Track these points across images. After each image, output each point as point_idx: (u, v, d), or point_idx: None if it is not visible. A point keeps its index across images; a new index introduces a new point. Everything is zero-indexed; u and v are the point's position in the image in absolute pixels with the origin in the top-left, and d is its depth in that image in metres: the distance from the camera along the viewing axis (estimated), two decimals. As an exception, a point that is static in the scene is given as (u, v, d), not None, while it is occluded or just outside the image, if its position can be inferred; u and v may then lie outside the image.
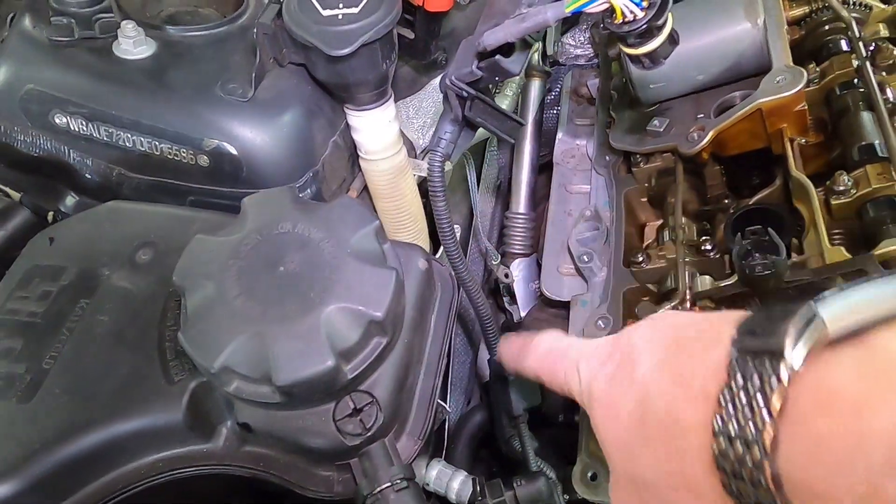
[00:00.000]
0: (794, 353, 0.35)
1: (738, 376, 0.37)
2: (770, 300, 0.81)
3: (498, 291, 1.39)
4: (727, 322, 0.43)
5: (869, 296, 0.36)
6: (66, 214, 0.88)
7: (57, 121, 0.82)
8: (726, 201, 1.03)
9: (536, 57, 1.40)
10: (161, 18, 0.93)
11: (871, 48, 0.93)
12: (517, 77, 1.39)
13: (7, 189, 0.87)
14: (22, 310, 0.66)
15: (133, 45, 0.81)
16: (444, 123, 0.87)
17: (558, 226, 1.32)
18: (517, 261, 1.42)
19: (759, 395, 0.35)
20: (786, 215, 0.91)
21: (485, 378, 1.16)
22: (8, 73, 0.82)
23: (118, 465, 0.63)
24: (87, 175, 0.86)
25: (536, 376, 0.62)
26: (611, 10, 0.66)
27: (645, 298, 0.97)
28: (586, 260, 1.15)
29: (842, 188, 0.82)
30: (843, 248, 0.78)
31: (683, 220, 1.02)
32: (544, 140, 1.59)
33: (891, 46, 0.94)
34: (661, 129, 1.09)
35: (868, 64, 0.89)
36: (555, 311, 1.24)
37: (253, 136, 0.82)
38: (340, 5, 0.78)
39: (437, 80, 1.05)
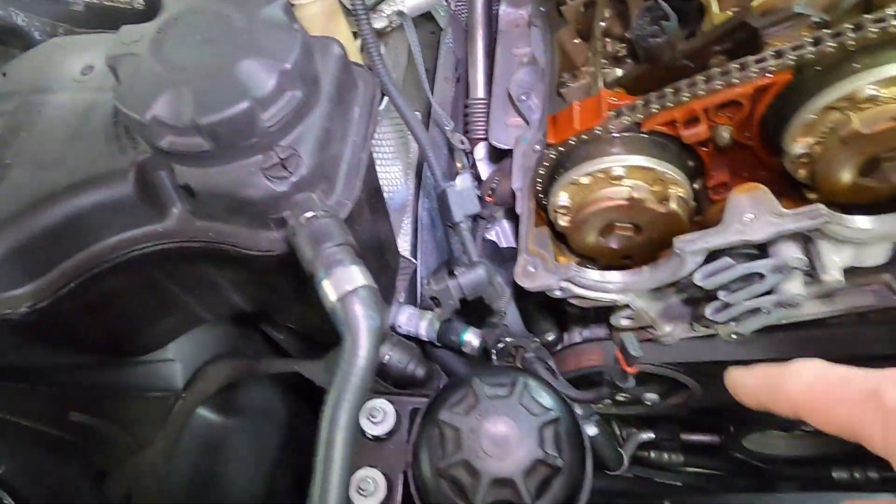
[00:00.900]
0: None
1: None
2: (668, 75, 0.87)
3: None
4: None
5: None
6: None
7: (0, -19, 0.89)
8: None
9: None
10: None
11: None
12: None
13: (-36, 54, 0.94)
14: (-18, 128, 0.74)
15: None
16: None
17: (503, 84, 1.38)
18: (480, 144, 1.49)
19: None
20: (685, 5, 0.96)
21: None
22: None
23: (85, 245, 0.72)
24: (37, 36, 0.93)
25: (798, 415, 0.51)
26: None
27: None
28: (524, 99, 1.22)
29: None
30: (728, 12, 0.84)
31: (605, 40, 1.08)
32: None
33: None
34: (579, -43, 1.13)
35: None
36: (503, 164, 1.31)
37: (181, -24, 0.88)
38: None
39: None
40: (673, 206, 0.87)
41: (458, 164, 1.09)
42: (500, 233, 1.34)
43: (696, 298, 1.05)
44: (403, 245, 1.51)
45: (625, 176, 0.86)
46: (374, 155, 1.33)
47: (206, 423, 1.04)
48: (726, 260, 0.89)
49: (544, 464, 0.73)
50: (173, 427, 0.99)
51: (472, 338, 1.16)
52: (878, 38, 0.69)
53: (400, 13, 1.26)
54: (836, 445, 1.54)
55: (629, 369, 0.75)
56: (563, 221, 0.93)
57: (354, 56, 1.09)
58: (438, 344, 1.21)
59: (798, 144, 0.78)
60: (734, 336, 1.14)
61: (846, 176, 0.77)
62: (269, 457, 1.12)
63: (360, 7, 0.92)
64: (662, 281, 0.93)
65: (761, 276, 0.90)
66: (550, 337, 1.35)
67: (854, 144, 0.72)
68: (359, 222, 0.92)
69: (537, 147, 1.11)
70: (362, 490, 0.90)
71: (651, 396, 1.43)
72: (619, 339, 0.76)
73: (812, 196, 0.82)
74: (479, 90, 1.67)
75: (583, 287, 0.96)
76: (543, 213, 1.04)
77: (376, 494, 0.89)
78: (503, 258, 1.30)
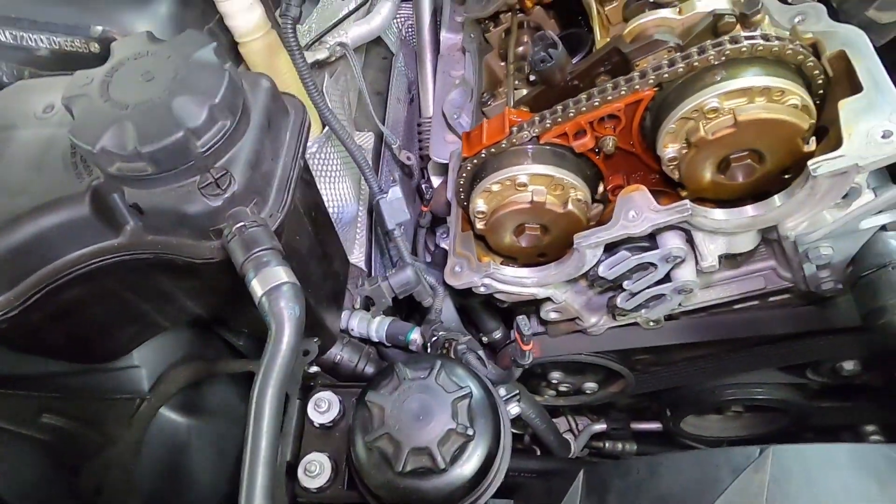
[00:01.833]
0: None
1: None
2: (565, 95, 1.00)
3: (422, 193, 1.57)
4: None
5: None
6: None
7: (-31, 31, 1.00)
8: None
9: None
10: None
11: None
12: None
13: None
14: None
15: (20, -42, 0.99)
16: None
17: (440, 103, 1.51)
18: (432, 161, 1.61)
19: None
20: (584, 35, 1.10)
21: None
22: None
23: (49, 260, 0.82)
24: (4, 79, 1.05)
25: None
26: None
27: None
28: (456, 117, 1.35)
29: (610, -3, 1.02)
30: (608, 39, 0.97)
31: (522, 62, 1.21)
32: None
33: None
34: (495, -7, 1.27)
35: None
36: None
37: (133, 21, 1.01)
38: None
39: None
40: (571, 207, 0.99)
41: (392, 178, 1.20)
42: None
43: (609, 290, 1.18)
44: (359, 255, 1.63)
45: (528, 183, 0.99)
46: (322, 175, 1.45)
47: (169, 422, 1.14)
48: (623, 253, 1.02)
49: (457, 433, 0.85)
50: (138, 427, 1.09)
51: (417, 336, 1.27)
52: (717, 60, 0.83)
53: (342, 44, 1.39)
54: (769, 425, 1.67)
55: (525, 347, 0.87)
56: (480, 225, 1.06)
57: (297, 86, 1.21)
58: (388, 344, 1.32)
59: (668, 150, 0.91)
60: (652, 323, 1.27)
61: (706, 175, 0.90)
62: (231, 453, 1.22)
63: (293, 41, 1.04)
64: (570, 274, 1.05)
65: (654, 265, 1.02)
66: (497, 335, 1.47)
67: (705, 148, 0.85)
68: (298, 233, 1.04)
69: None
70: (309, 472, 1.00)
71: (590, 385, 1.55)
72: (515, 320, 0.87)
73: (684, 194, 0.95)
74: (430, 110, 1.81)
75: (502, 283, 1.08)
76: (469, 218, 1.16)
77: (322, 476, 1.00)
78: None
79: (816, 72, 0.84)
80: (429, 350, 1.15)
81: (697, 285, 1.07)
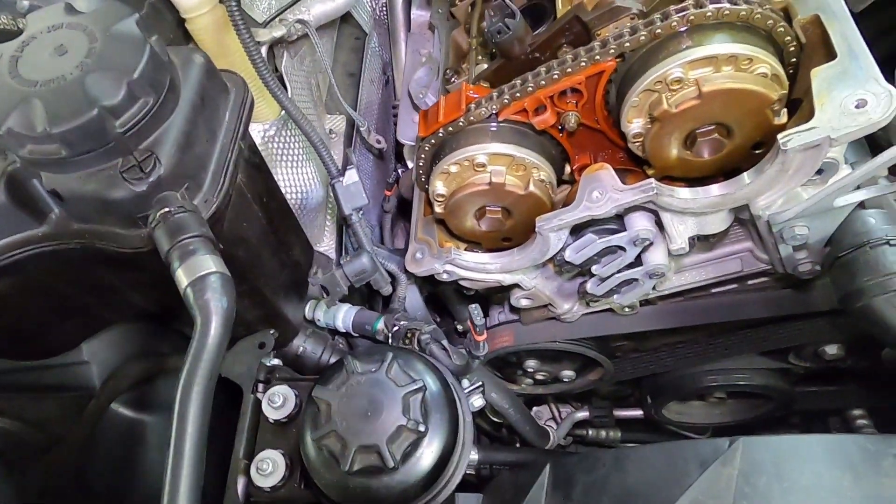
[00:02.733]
0: None
1: None
2: (522, 67, 0.94)
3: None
4: None
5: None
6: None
7: None
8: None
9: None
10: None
11: None
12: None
13: None
14: None
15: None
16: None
17: (408, 82, 1.45)
18: (408, 146, 1.55)
19: None
20: (547, 6, 1.04)
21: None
22: None
23: (-33, 251, 0.77)
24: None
25: None
26: None
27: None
28: (421, 96, 1.29)
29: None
30: (570, 8, 0.91)
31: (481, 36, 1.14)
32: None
33: None
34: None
35: None
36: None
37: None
38: None
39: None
40: (533, 188, 0.94)
41: (349, 162, 1.15)
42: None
43: (579, 276, 1.12)
44: (329, 243, 1.57)
45: (487, 163, 0.93)
46: (283, 159, 1.39)
47: (121, 418, 1.09)
48: (589, 236, 0.96)
49: (408, 429, 0.80)
50: (87, 424, 1.04)
51: (383, 326, 1.22)
52: (681, 26, 0.77)
53: (302, 21, 1.32)
54: (754, 410, 1.63)
55: (478, 337, 0.82)
56: (439, 208, 1.00)
57: (249, 65, 1.15)
58: (356, 334, 1.27)
59: (632, 125, 0.85)
60: (627, 309, 1.22)
61: (672, 151, 0.84)
62: (189, 450, 1.17)
63: (238, 16, 0.98)
64: (535, 260, 1.00)
65: (623, 248, 0.97)
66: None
67: (669, 122, 0.80)
68: (246, 220, 0.98)
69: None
70: (261, 470, 0.95)
71: (567, 374, 1.50)
72: (468, 309, 0.82)
73: (651, 172, 0.89)
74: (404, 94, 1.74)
75: (465, 269, 1.03)
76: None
77: (275, 474, 0.95)
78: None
79: (788, 38, 0.78)
80: (390, 341, 1.09)
81: (670, 269, 1.02)
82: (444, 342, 1.10)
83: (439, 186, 0.99)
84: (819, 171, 0.81)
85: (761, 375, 1.43)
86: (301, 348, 1.22)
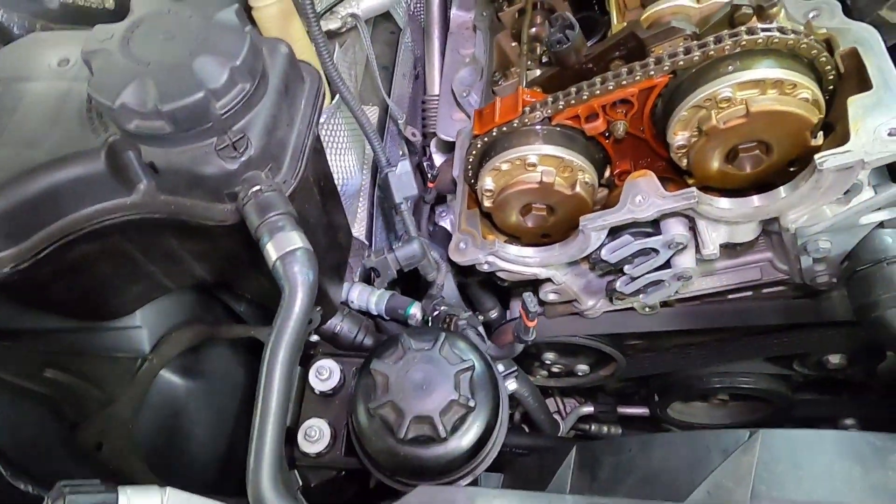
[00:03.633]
0: None
1: None
2: (579, 77, 1.01)
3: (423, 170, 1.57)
4: None
5: None
6: (3, 66, 1.05)
7: (-18, -19, 0.99)
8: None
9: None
10: None
11: None
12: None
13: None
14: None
15: None
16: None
17: (450, 82, 1.52)
18: (437, 138, 1.61)
19: None
20: (598, 19, 1.11)
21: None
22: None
23: (62, 214, 0.83)
24: (15, 30, 1.03)
25: None
26: None
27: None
28: (465, 95, 1.35)
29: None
30: (624, 23, 0.98)
31: (535, 44, 1.21)
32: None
33: None
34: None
35: None
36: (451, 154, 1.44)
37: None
38: None
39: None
40: (578, 189, 1.01)
41: (401, 152, 1.21)
42: (452, 221, 1.48)
43: (609, 274, 1.20)
44: (360, 229, 1.64)
45: (538, 163, 1.00)
46: (329, 145, 1.45)
47: (169, 383, 1.15)
48: (626, 237, 1.04)
49: (458, 404, 0.87)
50: (139, 386, 1.10)
51: (416, 311, 1.29)
52: (732, 50, 0.84)
53: (353, 15, 1.38)
54: (752, 415, 1.71)
55: (529, 323, 0.89)
56: (487, 203, 1.07)
57: (310, 54, 1.21)
58: (387, 318, 1.33)
59: (678, 137, 0.93)
60: (648, 309, 1.30)
61: (714, 164, 0.91)
62: (229, 416, 1.24)
63: (310, 9, 1.04)
64: (573, 256, 1.07)
65: (656, 251, 1.04)
66: (494, 314, 1.49)
67: (715, 137, 0.87)
68: (308, 201, 1.04)
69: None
70: (309, 437, 1.02)
71: (582, 368, 1.57)
72: (522, 297, 0.89)
73: (691, 182, 0.96)
74: (436, 87, 1.80)
75: (505, 261, 1.10)
76: (476, 196, 1.17)
77: (321, 441, 1.02)
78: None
79: (828, 67, 0.86)
80: (430, 324, 1.16)
81: (696, 273, 1.09)
82: (480, 329, 1.17)
83: (488, 182, 1.06)
84: (846, 192, 0.88)
85: (765, 380, 1.52)
86: (338, 327, 1.29)
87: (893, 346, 0.90)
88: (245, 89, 0.78)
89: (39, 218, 0.82)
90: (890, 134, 0.79)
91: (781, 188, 0.89)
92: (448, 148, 1.57)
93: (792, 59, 0.84)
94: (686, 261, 1.06)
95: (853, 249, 0.98)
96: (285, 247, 0.74)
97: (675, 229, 0.99)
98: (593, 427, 1.94)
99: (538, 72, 1.12)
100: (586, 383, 1.65)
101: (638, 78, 0.90)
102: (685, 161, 0.95)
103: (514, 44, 1.39)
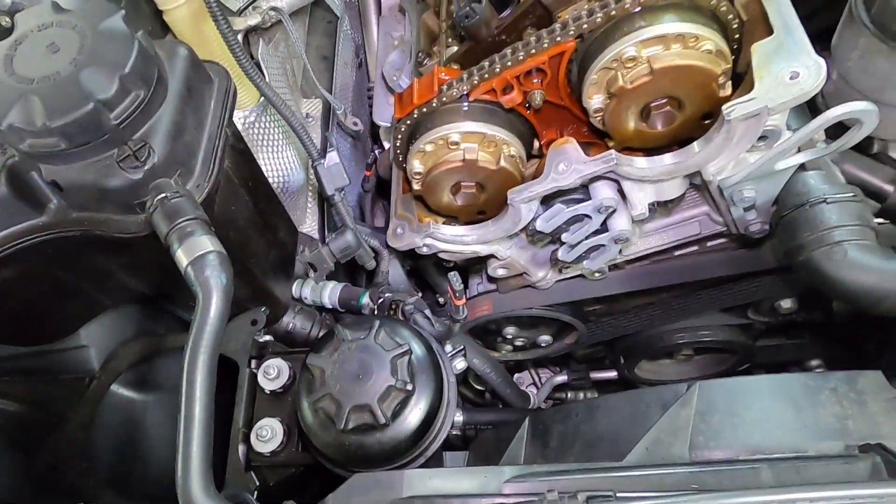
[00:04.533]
0: None
1: None
2: (489, 49, 1.00)
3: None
4: None
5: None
6: None
7: None
8: None
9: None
10: None
11: None
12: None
13: None
14: None
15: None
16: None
17: (381, 66, 1.50)
18: (384, 127, 1.60)
19: None
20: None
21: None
22: None
23: (-27, 242, 0.81)
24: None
25: None
26: None
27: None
28: (395, 78, 1.34)
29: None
30: (532, -9, 0.96)
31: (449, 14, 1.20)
32: None
33: None
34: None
35: None
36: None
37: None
38: None
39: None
40: (504, 163, 1.01)
41: (329, 143, 1.20)
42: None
43: (551, 244, 1.20)
44: (311, 224, 1.63)
45: (461, 141, 0.99)
46: (263, 144, 1.44)
47: (122, 398, 1.15)
48: (558, 206, 1.04)
49: (396, 389, 0.87)
50: (89, 404, 1.09)
51: (368, 301, 1.29)
52: (634, 7, 0.83)
53: (275, 9, 1.36)
54: (719, 365, 1.74)
55: (458, 302, 0.89)
56: (417, 185, 1.06)
57: (228, 54, 1.18)
58: (342, 310, 1.33)
59: (593, 101, 0.92)
60: (597, 274, 1.30)
61: (630, 124, 0.91)
62: (189, 425, 1.23)
63: (216, 6, 1.01)
64: (508, 230, 1.07)
65: (589, 217, 1.05)
66: (453, 295, 1.49)
67: (626, 97, 0.87)
68: (233, 203, 1.03)
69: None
70: (261, 437, 1.02)
71: (544, 339, 1.59)
72: (448, 277, 0.89)
73: (612, 144, 0.96)
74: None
75: (443, 242, 1.10)
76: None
77: (273, 440, 1.02)
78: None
79: (731, 16, 0.85)
80: (375, 312, 1.16)
81: (634, 234, 1.10)
82: (427, 311, 1.18)
83: (416, 165, 1.05)
84: (763, 138, 0.89)
85: (724, 331, 1.53)
86: (290, 325, 1.29)
87: (825, 286, 0.91)
88: (140, 96, 0.77)
89: (-50, 248, 0.80)
90: (791, 77, 0.79)
91: (695, 143, 0.89)
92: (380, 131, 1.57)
93: (693, 12, 0.84)
94: (622, 223, 1.06)
95: (779, 195, 0.99)
96: (195, 251, 0.74)
97: (603, 193, 0.99)
98: (569, 395, 1.96)
99: (454, 48, 1.11)
100: (552, 353, 1.66)
101: (546, 45, 0.90)
102: (602, 124, 0.95)
103: (441, 21, 1.38)
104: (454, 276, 0.87)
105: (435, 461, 1.01)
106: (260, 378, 1.06)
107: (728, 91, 0.87)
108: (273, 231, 1.20)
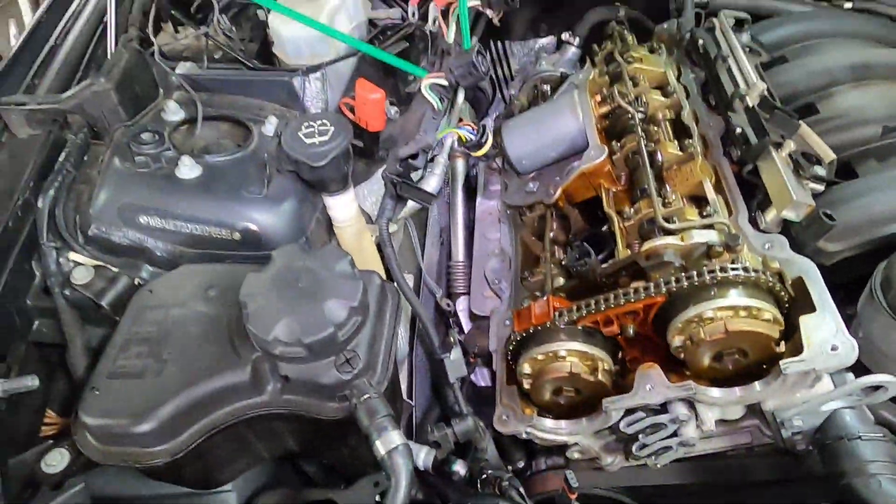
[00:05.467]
0: None
1: None
2: (595, 287, 1.31)
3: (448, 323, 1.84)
4: None
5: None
6: (145, 280, 1.34)
7: (141, 221, 1.31)
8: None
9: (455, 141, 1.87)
10: (199, 149, 1.44)
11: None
12: (443, 159, 1.85)
13: (108, 265, 1.33)
14: (142, 332, 1.13)
15: (189, 170, 1.32)
16: (385, 199, 1.39)
17: (480, 264, 1.84)
18: (461, 297, 1.91)
19: None
20: (607, 236, 1.43)
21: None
22: (108, 195, 1.31)
23: (212, 411, 1.08)
24: (158, 254, 1.34)
25: None
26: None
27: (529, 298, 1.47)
28: (496, 282, 1.66)
29: (629, 215, 1.36)
30: (629, 250, 1.29)
31: (554, 247, 1.53)
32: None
33: (658, 129, 1.51)
34: (535, 190, 1.63)
35: (643, 140, 1.45)
36: (481, 323, 1.73)
37: (266, 217, 1.32)
38: (316, 135, 1.31)
39: (380, 170, 1.58)
40: (600, 376, 1.28)
41: (451, 339, 1.48)
42: (480, 375, 1.73)
43: (625, 438, 1.43)
44: (403, 390, 1.88)
45: (567, 356, 1.28)
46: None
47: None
48: (639, 414, 1.29)
49: (516, 564, 1.07)
50: (232, 547, 1.29)
51: (459, 468, 1.50)
52: (711, 282, 1.14)
53: (406, 220, 1.73)
54: None
55: (571, 495, 1.12)
56: (526, 384, 1.33)
57: (374, 259, 1.52)
58: (432, 473, 1.54)
59: (675, 340, 1.21)
60: (658, 465, 1.52)
61: (705, 362, 1.19)
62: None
63: (388, 238, 1.36)
64: (597, 428, 1.32)
65: (664, 425, 1.29)
66: (521, 464, 1.70)
67: (703, 345, 1.15)
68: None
69: (507, 322, 1.53)
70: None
71: (601, 515, 1.76)
72: (564, 474, 1.12)
73: (688, 373, 1.24)
74: (460, 255, 2.12)
75: (542, 431, 1.34)
76: (512, 373, 1.43)
77: None
78: (480, 394, 1.68)
79: (782, 293, 1.16)
80: (479, 487, 1.38)
81: (698, 441, 1.33)
82: (521, 489, 1.39)
83: (526, 368, 1.33)
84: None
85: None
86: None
87: (861, 507, 1.13)
88: (357, 321, 1.07)
89: (193, 417, 1.07)
90: (832, 349, 1.07)
91: (757, 384, 1.16)
92: (475, 316, 1.86)
93: (755, 289, 1.15)
94: (690, 431, 1.31)
95: (821, 425, 1.23)
96: (390, 444, 0.99)
97: (679, 409, 1.25)
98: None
99: (561, 280, 1.43)
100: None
101: (642, 297, 1.20)
102: (682, 356, 1.23)
103: (533, 238, 1.72)
104: (571, 476, 1.11)
105: None
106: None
107: (782, 348, 1.15)
108: (395, 402, 1.46)
